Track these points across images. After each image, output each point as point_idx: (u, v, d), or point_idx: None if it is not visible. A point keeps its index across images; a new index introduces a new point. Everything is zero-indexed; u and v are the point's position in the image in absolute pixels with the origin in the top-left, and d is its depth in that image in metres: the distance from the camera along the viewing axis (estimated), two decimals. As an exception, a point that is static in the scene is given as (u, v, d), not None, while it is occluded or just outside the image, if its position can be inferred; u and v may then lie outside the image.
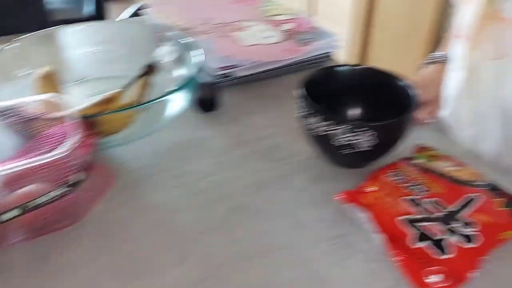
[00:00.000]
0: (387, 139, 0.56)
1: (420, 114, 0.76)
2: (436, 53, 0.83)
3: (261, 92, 0.78)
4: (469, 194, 0.52)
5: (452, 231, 0.48)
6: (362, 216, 0.53)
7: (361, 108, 0.67)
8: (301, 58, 0.81)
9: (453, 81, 0.73)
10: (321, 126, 0.56)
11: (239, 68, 0.77)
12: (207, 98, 0.72)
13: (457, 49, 0.71)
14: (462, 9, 0.69)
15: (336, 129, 0.55)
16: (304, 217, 0.55)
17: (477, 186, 0.54)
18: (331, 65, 0.66)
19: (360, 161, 0.61)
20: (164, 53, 0.74)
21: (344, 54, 2.04)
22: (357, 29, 1.94)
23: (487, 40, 0.64)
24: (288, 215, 0.55)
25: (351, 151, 0.57)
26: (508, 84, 0.64)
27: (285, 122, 0.71)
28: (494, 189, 0.54)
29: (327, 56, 0.86)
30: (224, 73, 0.77)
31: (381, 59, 1.91)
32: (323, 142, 0.59)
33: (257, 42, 0.83)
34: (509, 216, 0.51)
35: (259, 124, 0.71)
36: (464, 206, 0.51)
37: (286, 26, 0.88)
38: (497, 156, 0.70)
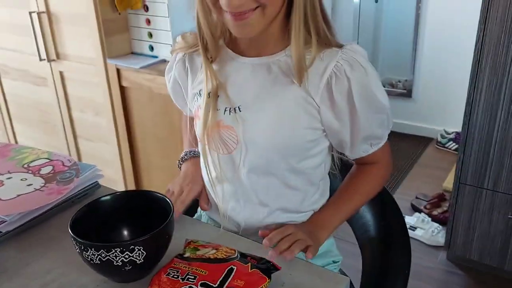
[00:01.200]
0: (154, 248, 0.67)
1: (201, 203, 0.93)
2: (190, 150, 1.00)
3: (36, 239, 0.81)
4: (227, 268, 0.66)
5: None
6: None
7: (133, 228, 0.76)
8: (68, 196, 0.87)
9: (204, 173, 0.92)
10: (95, 256, 0.63)
11: (6, 223, 0.79)
12: (-23, 264, 0.71)
13: (200, 149, 0.89)
14: (196, 122, 0.87)
15: (108, 255, 0.63)
16: None
17: (231, 259, 0.67)
18: (93, 199, 0.74)
19: (143, 271, 0.69)
20: None
21: (117, 168, 2.14)
22: (122, 143, 2.08)
23: (216, 141, 0.84)
24: None
25: (131, 267, 0.65)
26: (241, 170, 0.84)
27: (67, 259, 0.75)
28: (243, 257, 0.68)
29: (93, 186, 0.94)
30: (-10, 233, 0.77)
31: (152, 164, 2.07)
32: (105, 268, 0.65)
33: (19, 193, 0.85)
34: (258, 274, 0.65)
35: (41, 271, 0.73)
36: (225, 279, 0.64)
37: (45, 170, 0.93)
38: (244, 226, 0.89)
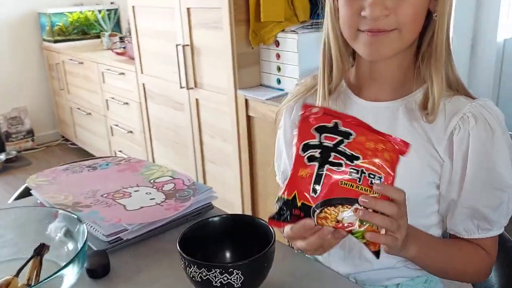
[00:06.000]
0: (252, 274, 0.68)
1: None
2: None
3: (150, 249, 0.88)
4: None
5: None
6: None
7: (234, 250, 0.78)
8: (183, 213, 0.93)
9: None
10: (197, 273, 0.67)
11: (128, 231, 0.87)
12: (98, 265, 0.79)
13: None
14: None
15: (208, 274, 0.65)
16: None
17: None
18: (203, 218, 0.78)
19: (239, 297, 0.71)
20: (53, 231, 0.81)
21: (237, 192, 2.23)
22: (244, 169, 2.17)
23: None
24: None
25: (229, 290, 0.67)
26: None
27: (175, 273, 0.80)
28: None
29: (207, 206, 0.99)
30: (114, 238, 0.86)
31: (268, 192, 2.12)
32: (205, 286, 0.68)
33: (142, 205, 0.94)
34: None
35: (148, 280, 0.79)
36: None
37: (168, 187, 1.01)
38: None
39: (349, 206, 0.61)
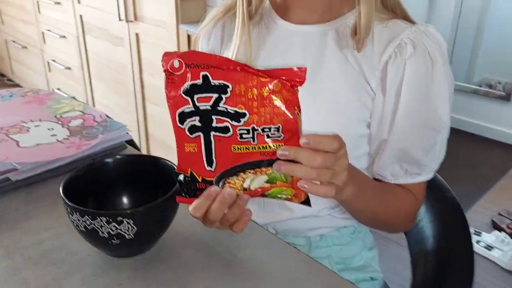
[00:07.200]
0: (149, 225, 0.57)
1: None
2: None
3: (44, 194, 0.75)
4: None
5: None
6: None
7: (137, 198, 0.67)
8: (88, 153, 0.81)
9: None
10: (80, 222, 0.55)
11: (18, 172, 0.74)
12: (-27, 210, 0.67)
13: None
14: None
15: (93, 223, 0.54)
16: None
17: None
18: (95, 160, 0.67)
19: (135, 248, 0.60)
20: None
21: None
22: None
23: None
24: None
25: (119, 242, 0.57)
26: None
27: (67, 221, 0.68)
28: None
29: (119, 146, 0.87)
30: (1, 179, 0.73)
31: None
32: (90, 237, 0.58)
33: (40, 142, 0.81)
34: None
35: (37, 228, 0.67)
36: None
37: (75, 123, 0.88)
38: None
39: (251, 171, 0.52)
